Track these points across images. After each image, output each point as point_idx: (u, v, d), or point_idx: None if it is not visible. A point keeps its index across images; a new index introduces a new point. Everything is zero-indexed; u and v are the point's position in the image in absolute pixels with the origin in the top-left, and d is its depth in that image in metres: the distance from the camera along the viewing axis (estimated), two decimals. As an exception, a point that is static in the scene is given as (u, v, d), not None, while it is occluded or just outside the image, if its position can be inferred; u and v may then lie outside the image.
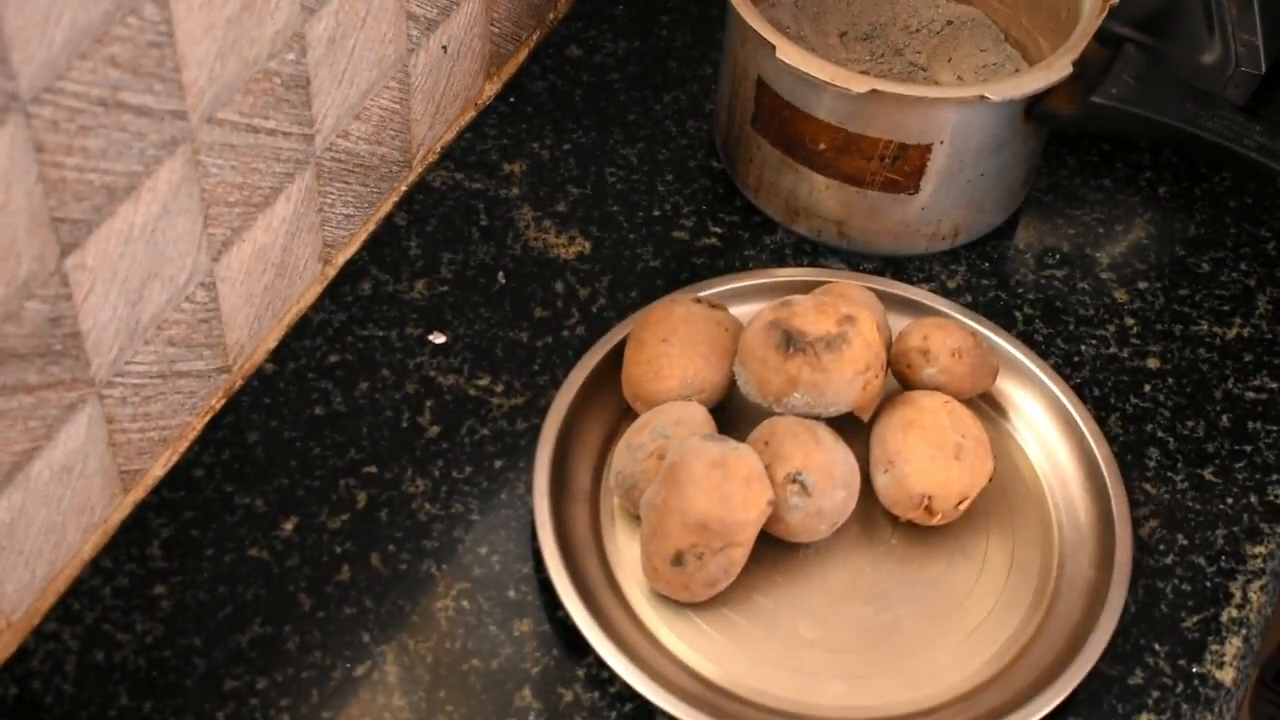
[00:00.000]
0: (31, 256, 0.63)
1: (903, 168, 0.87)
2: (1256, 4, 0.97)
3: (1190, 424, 0.86)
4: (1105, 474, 0.80)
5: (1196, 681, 0.76)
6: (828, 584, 0.78)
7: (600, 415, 0.81)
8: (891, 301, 0.86)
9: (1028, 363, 0.84)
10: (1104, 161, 0.99)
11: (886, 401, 0.80)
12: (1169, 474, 0.83)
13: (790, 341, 0.76)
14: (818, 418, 0.78)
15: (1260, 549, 0.81)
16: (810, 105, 0.87)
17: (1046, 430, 0.83)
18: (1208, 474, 0.84)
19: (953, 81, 0.97)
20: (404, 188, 0.93)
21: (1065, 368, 0.87)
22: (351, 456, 0.81)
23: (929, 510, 0.77)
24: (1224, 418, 0.86)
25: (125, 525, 0.77)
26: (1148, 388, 0.87)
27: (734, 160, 0.94)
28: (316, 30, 0.77)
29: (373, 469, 0.80)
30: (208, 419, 0.81)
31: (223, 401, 0.82)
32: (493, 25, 0.95)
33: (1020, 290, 0.91)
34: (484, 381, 0.85)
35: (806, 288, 0.85)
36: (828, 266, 0.92)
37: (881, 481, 0.78)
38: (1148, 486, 0.83)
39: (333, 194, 0.85)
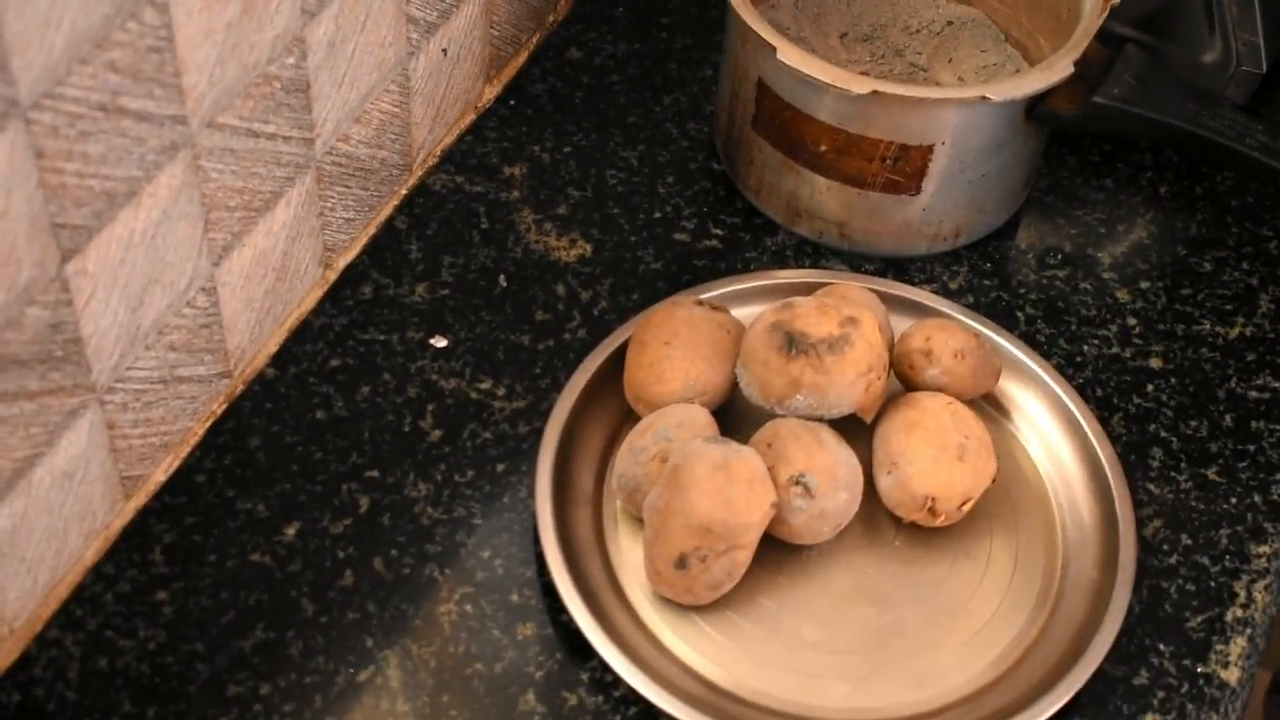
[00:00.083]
0: (32, 262, 0.63)
1: (904, 169, 0.87)
2: (1257, 3, 0.97)
3: (1193, 424, 0.86)
4: (1108, 474, 0.80)
5: (1202, 681, 0.75)
6: (831, 586, 0.77)
7: (602, 418, 0.81)
8: (893, 303, 0.86)
9: (1030, 363, 0.84)
10: (1105, 161, 0.99)
11: (889, 403, 0.80)
12: (1172, 474, 0.83)
13: (792, 343, 0.76)
14: (820, 420, 0.78)
15: (1264, 548, 0.81)
16: (811, 107, 0.86)
17: (1049, 431, 0.83)
18: (1211, 474, 0.83)
19: (953, 82, 0.96)
20: (404, 191, 0.92)
21: (1068, 368, 0.87)
22: (353, 461, 0.81)
23: (932, 512, 0.77)
24: (1227, 417, 0.86)
25: (127, 531, 0.77)
26: (1150, 387, 0.87)
27: (735, 162, 0.94)
28: (316, 34, 0.77)
29: (374, 473, 0.80)
30: (209, 424, 0.81)
31: (224, 406, 0.82)
32: (492, 28, 0.95)
33: (1022, 291, 0.91)
34: (486, 385, 0.84)
35: (808, 289, 0.85)
36: (829, 268, 0.91)
37: (884, 483, 0.78)
38: (1151, 486, 0.83)
39: (333, 198, 0.85)
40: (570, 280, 0.90)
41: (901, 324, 0.85)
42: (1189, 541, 0.81)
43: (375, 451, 0.81)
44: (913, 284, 0.90)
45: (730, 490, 0.72)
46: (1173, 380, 0.87)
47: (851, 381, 0.76)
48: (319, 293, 0.87)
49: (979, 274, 0.92)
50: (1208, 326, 0.90)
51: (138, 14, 0.63)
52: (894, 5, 1.00)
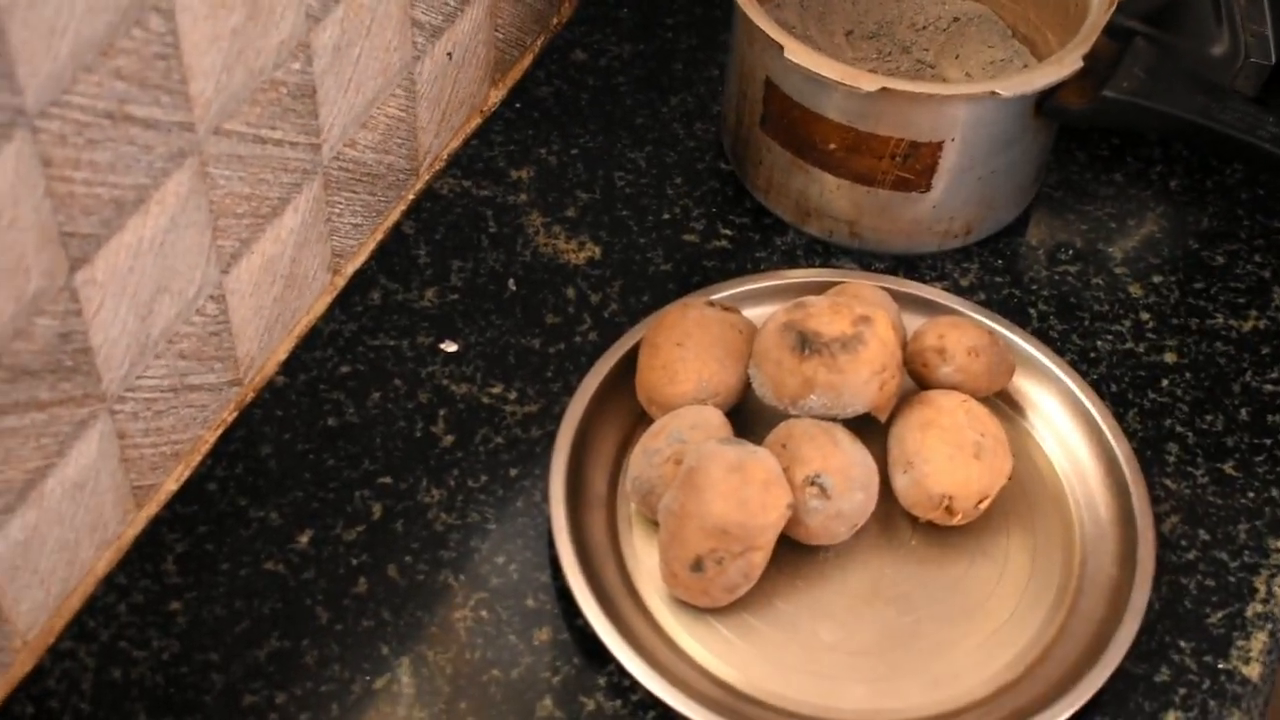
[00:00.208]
0: (41, 272, 0.63)
1: (914, 166, 0.87)
2: (1265, -6, 0.96)
3: (1209, 418, 0.85)
4: (1125, 470, 0.80)
5: (1223, 678, 0.75)
6: (848, 587, 0.77)
7: (615, 421, 0.81)
8: (905, 301, 0.85)
9: (1044, 360, 0.84)
10: (1114, 156, 0.99)
11: (903, 402, 0.79)
12: (1189, 469, 0.83)
13: (805, 343, 0.76)
14: (834, 419, 0.77)
15: (1283, 543, 0.80)
16: (820, 105, 0.86)
17: (1065, 427, 0.82)
18: (1228, 468, 0.83)
19: (961, 79, 0.96)
20: (412, 196, 0.92)
21: (1081, 364, 0.87)
22: (365, 467, 0.80)
23: (949, 510, 0.76)
24: (1243, 411, 0.85)
25: (139, 541, 0.77)
26: (1165, 382, 0.87)
27: (743, 162, 0.94)
28: (322, 39, 0.76)
29: (387, 479, 0.80)
30: (220, 432, 0.81)
31: (234, 414, 0.81)
32: (497, 31, 0.95)
33: (1034, 287, 0.91)
34: (497, 389, 0.84)
35: (819, 289, 0.85)
36: (840, 267, 0.91)
37: (900, 482, 0.77)
38: (1168, 482, 0.82)
39: (340, 204, 0.84)
40: (580, 283, 0.89)
41: (914, 322, 0.84)
42: (1207, 537, 0.80)
43: (387, 457, 0.81)
44: (924, 282, 0.90)
45: (746, 491, 0.72)
46: (1187, 375, 0.87)
47: (865, 380, 0.76)
48: (328, 299, 0.87)
49: (990, 271, 0.92)
50: (1221, 320, 0.90)
51: (143, 21, 0.63)
52: (899, 2, 1.00)
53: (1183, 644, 0.76)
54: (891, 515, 0.79)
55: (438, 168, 0.94)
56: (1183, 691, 0.74)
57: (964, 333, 0.80)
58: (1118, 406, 0.85)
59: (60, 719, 0.71)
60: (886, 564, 0.78)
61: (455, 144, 0.95)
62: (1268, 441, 0.84)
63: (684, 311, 0.81)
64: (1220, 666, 0.75)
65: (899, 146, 0.86)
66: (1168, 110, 0.87)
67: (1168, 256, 0.93)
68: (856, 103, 0.85)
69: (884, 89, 0.83)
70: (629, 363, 0.82)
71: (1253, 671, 0.75)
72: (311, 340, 0.85)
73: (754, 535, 0.72)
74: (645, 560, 0.77)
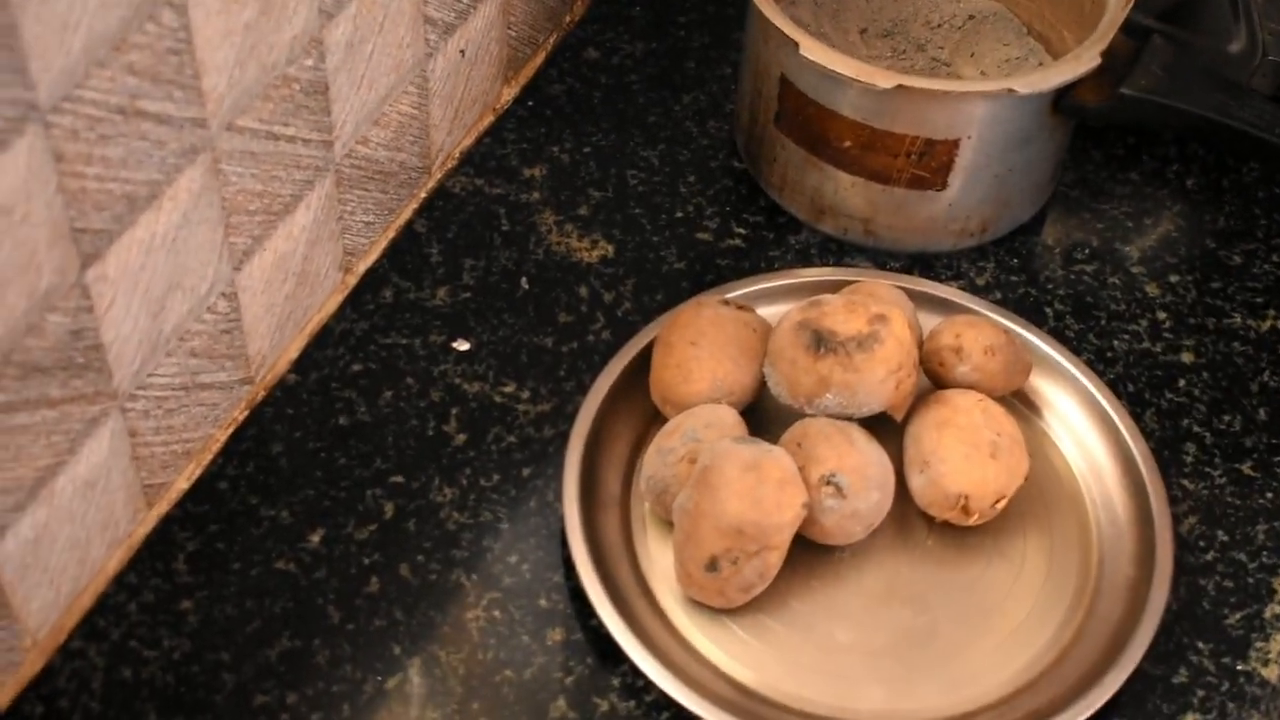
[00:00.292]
0: (52, 269, 0.62)
1: (929, 164, 0.86)
2: (1283, -8, 0.96)
3: (1227, 418, 0.84)
4: (1143, 470, 0.79)
5: (1242, 679, 0.74)
6: (864, 587, 0.76)
7: (628, 420, 0.80)
8: (920, 299, 0.85)
9: (1060, 359, 0.83)
10: (1130, 155, 0.98)
11: (919, 401, 0.79)
12: (1207, 469, 0.82)
13: (821, 342, 0.75)
14: (850, 418, 0.77)
15: (1302, 544, 0.80)
16: (835, 102, 0.85)
17: (1081, 427, 0.82)
18: (1246, 468, 0.82)
19: (976, 76, 0.95)
20: (424, 194, 0.92)
21: (1098, 364, 0.86)
22: (377, 466, 0.80)
23: (966, 510, 0.76)
24: (1260, 411, 0.85)
25: (150, 540, 0.76)
26: (1182, 382, 0.86)
27: (757, 160, 0.93)
28: (334, 35, 0.76)
29: (399, 478, 0.79)
30: (231, 431, 0.80)
31: (246, 413, 0.81)
32: (509, 29, 0.95)
33: (1050, 286, 0.90)
34: (510, 388, 0.83)
35: (834, 287, 0.84)
36: (854, 265, 0.90)
37: (917, 482, 0.77)
38: (1186, 482, 0.82)
39: (353, 201, 0.84)
40: (593, 281, 0.89)
41: (929, 321, 0.84)
42: (1225, 538, 0.79)
43: (399, 456, 0.80)
44: (939, 280, 0.89)
45: (761, 491, 0.71)
46: (1205, 375, 0.86)
47: (881, 379, 0.75)
48: (339, 297, 0.86)
49: (1006, 270, 0.91)
50: (1239, 320, 0.89)
51: (156, 16, 0.63)
52: (914, 0, 0.99)
53: (1201, 645, 0.75)
54: (907, 515, 0.78)
55: (450, 166, 0.93)
56: (1201, 693, 0.74)
57: (980, 332, 0.79)
58: (1135, 406, 0.84)
59: (70, 718, 0.70)
60: (902, 564, 0.77)
61: (468, 142, 0.95)
62: (1286, 442, 0.84)
63: (698, 310, 0.80)
64: (1239, 668, 0.75)
65: (914, 144, 0.85)
66: (1185, 108, 0.87)
67: (1184, 256, 0.93)
68: (872, 100, 0.84)
69: (900, 86, 0.83)
70: (642, 362, 0.81)
71: (1271, 673, 0.75)
72: (323, 338, 0.85)
73: (769, 535, 0.72)
74: (659, 560, 0.76)
